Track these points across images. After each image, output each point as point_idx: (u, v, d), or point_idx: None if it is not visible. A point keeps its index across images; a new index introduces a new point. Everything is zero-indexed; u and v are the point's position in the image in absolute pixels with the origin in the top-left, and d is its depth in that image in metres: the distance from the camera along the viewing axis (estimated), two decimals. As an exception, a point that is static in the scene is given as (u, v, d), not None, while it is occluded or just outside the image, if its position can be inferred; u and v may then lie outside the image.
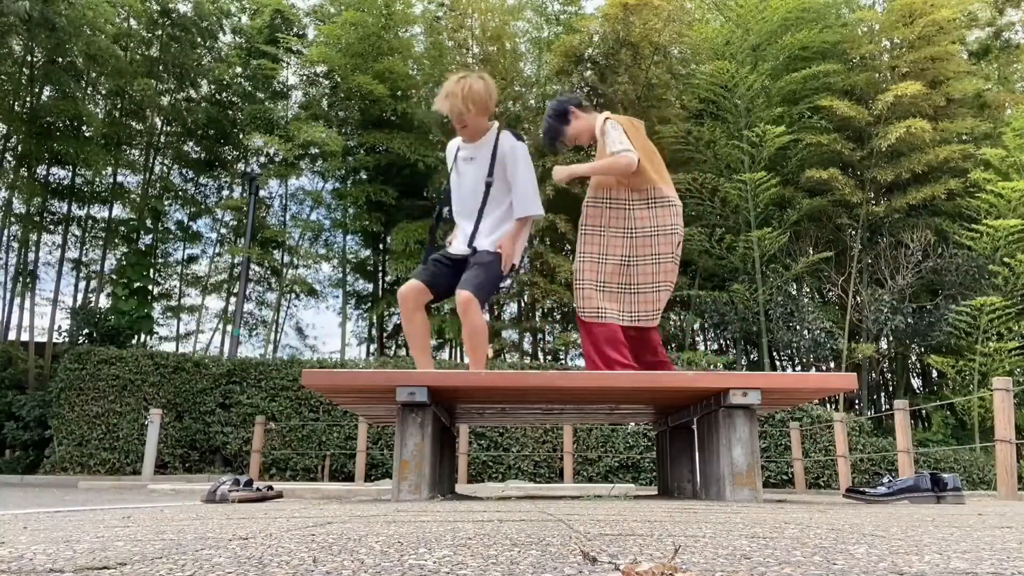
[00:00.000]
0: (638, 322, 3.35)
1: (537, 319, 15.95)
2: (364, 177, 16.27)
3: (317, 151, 15.85)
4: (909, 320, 12.71)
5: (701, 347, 16.77)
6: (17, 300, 16.19)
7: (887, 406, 15.81)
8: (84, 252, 17.14)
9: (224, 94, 17.92)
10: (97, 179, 16.53)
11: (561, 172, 3.42)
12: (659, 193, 3.40)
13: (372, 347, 17.95)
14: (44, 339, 15.73)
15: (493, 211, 3.37)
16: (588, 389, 2.89)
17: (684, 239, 13.45)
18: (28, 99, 14.72)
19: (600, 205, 3.46)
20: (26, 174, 15.60)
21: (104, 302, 16.10)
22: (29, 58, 14.54)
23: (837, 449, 8.32)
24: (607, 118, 3.50)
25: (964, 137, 14.60)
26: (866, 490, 3.20)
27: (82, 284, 17.16)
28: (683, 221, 3.49)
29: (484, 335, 3.22)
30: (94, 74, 15.53)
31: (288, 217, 18.79)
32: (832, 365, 14.20)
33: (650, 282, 3.37)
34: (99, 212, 17.24)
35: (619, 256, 3.38)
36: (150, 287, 16.77)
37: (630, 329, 3.39)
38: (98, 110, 16.37)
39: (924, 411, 14.22)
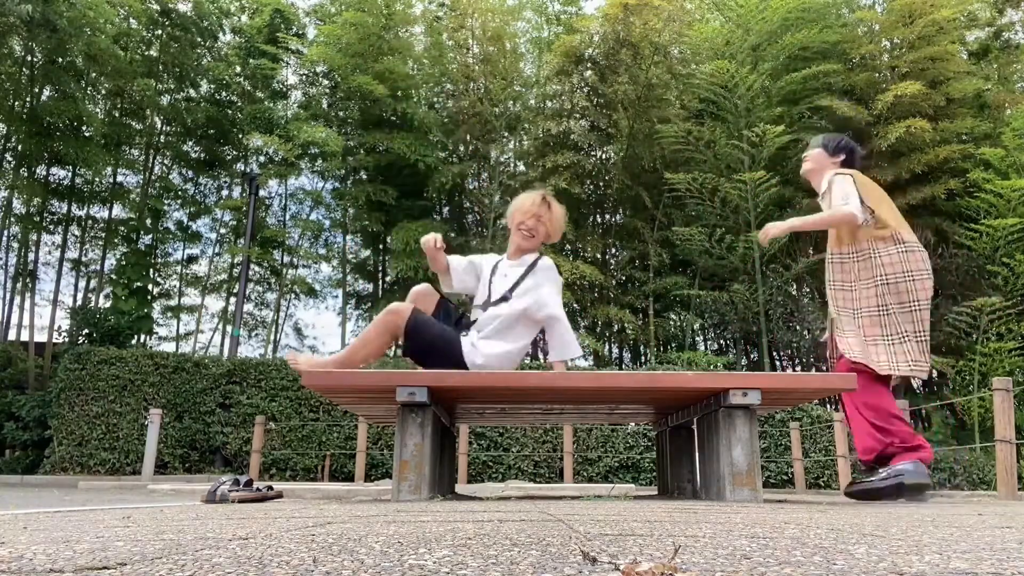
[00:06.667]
0: (912, 373, 3.26)
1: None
2: (364, 177, 16.27)
3: (317, 151, 15.85)
4: (909, 320, 12.68)
5: (701, 347, 16.77)
6: (17, 300, 16.21)
7: (887, 406, 15.77)
8: (84, 252, 17.15)
9: (224, 94, 17.92)
10: (97, 179, 16.53)
11: (778, 227, 3.47)
12: (902, 238, 3.35)
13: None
14: (44, 339, 15.74)
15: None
16: (588, 389, 2.89)
17: (685, 239, 13.61)
18: (28, 99, 14.72)
19: (848, 259, 3.41)
20: (26, 174, 15.60)
21: (104, 302, 16.11)
22: (29, 58, 14.55)
23: (837, 449, 8.31)
24: (837, 172, 3.50)
25: (964, 137, 14.59)
26: (864, 479, 3.24)
27: (82, 284, 17.18)
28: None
29: None
30: (94, 74, 15.53)
31: (288, 217, 18.80)
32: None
33: (913, 331, 3.27)
34: (99, 212, 17.27)
35: (875, 306, 3.32)
36: (150, 287, 16.77)
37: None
38: (98, 110, 16.36)
39: (924, 411, 14.23)
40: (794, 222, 3.48)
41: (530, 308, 3.18)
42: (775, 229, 3.47)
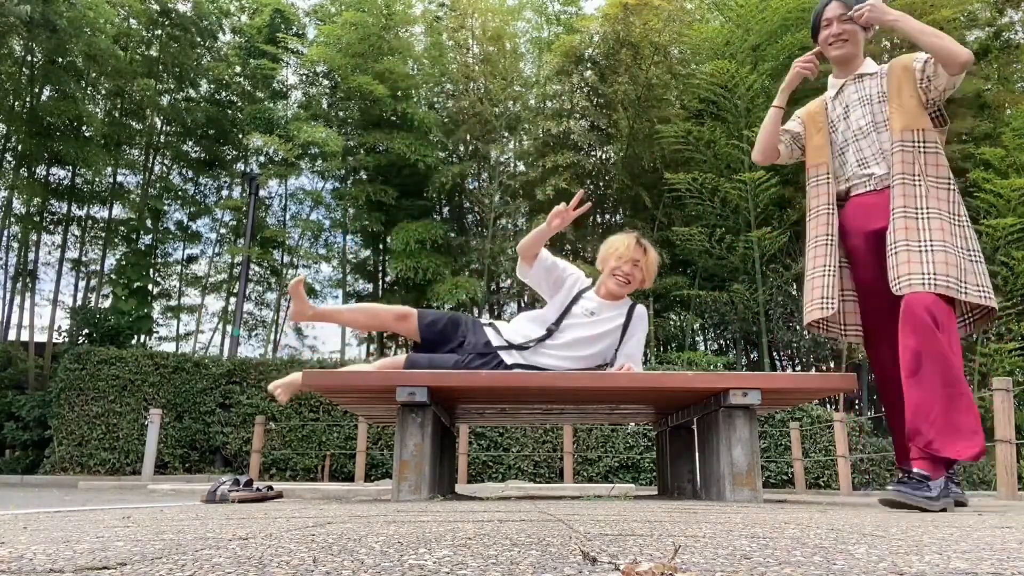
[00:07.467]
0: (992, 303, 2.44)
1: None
2: (364, 177, 16.26)
3: (317, 151, 15.85)
4: (909, 320, 12.68)
5: (701, 347, 16.77)
6: (17, 300, 16.22)
7: (887, 406, 15.78)
8: (84, 252, 17.15)
9: (224, 94, 17.92)
10: (97, 179, 16.53)
11: (882, 16, 2.61)
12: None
13: (372, 347, 17.95)
14: (44, 339, 15.75)
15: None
16: (588, 389, 2.89)
17: (685, 239, 13.61)
18: (28, 99, 14.72)
19: (911, 148, 2.68)
20: (26, 174, 15.60)
21: (104, 302, 16.11)
22: (29, 58, 14.55)
23: (837, 449, 8.31)
24: None
25: (964, 137, 14.59)
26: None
27: (82, 284, 17.18)
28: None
29: None
30: (94, 74, 15.53)
31: (288, 217, 18.80)
32: (832, 365, 14.21)
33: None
34: (99, 212, 17.27)
35: (947, 212, 2.57)
36: (150, 287, 16.77)
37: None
38: (98, 110, 16.37)
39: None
40: (908, 23, 2.60)
41: (618, 362, 3.14)
42: (886, 13, 2.62)
